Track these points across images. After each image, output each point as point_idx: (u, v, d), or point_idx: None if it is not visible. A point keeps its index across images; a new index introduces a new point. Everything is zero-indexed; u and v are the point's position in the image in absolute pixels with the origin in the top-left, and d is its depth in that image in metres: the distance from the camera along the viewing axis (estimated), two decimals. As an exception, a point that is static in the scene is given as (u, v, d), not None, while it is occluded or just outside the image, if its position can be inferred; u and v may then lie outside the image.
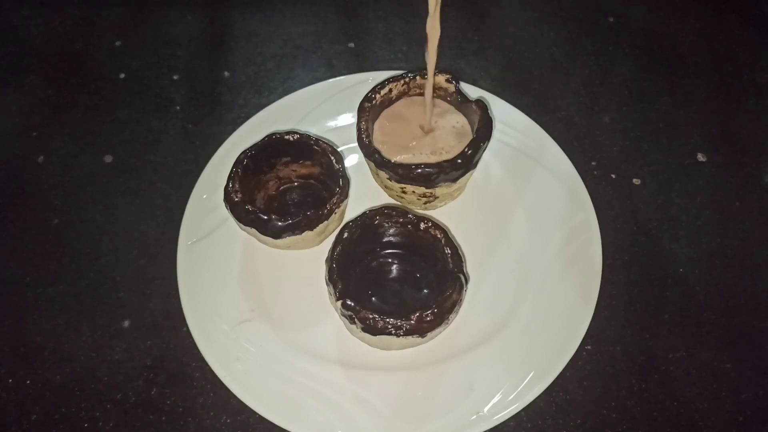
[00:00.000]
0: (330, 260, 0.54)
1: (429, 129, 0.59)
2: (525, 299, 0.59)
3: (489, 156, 0.63)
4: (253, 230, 0.56)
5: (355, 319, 0.51)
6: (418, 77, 0.61)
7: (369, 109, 0.60)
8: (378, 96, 0.60)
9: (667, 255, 0.63)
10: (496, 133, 0.65)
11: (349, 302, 0.51)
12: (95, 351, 0.58)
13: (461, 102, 0.61)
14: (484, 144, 0.57)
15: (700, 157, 0.69)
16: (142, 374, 0.57)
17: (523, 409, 0.54)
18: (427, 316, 0.50)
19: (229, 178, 0.58)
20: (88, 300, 0.61)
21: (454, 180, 0.58)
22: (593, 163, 0.68)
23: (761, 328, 0.59)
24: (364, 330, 0.51)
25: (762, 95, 0.73)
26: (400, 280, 0.58)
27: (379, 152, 0.57)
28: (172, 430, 0.55)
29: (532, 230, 0.62)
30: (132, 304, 0.61)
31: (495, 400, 0.53)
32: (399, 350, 0.55)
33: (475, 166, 0.59)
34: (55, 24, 0.80)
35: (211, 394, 0.56)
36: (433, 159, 0.58)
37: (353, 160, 0.67)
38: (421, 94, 0.60)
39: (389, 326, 0.50)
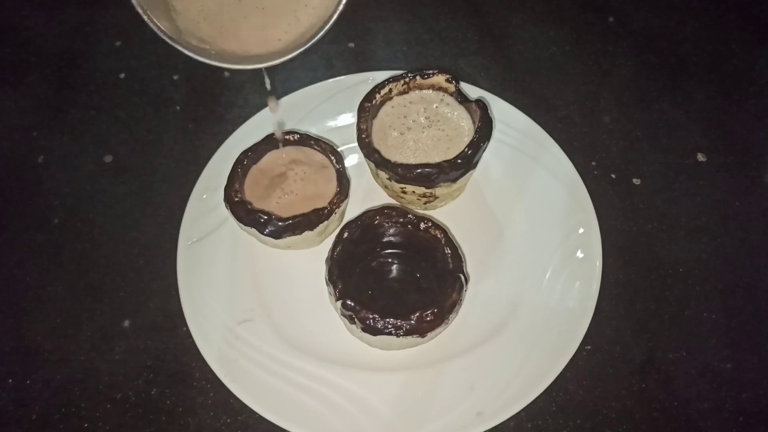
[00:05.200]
0: (330, 260, 0.54)
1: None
2: (525, 299, 0.59)
3: (489, 156, 0.63)
4: (253, 230, 0.56)
5: (355, 319, 0.51)
6: (418, 77, 0.61)
7: (369, 109, 0.60)
8: (378, 96, 0.60)
9: (667, 255, 0.63)
10: (496, 133, 0.65)
11: (349, 302, 0.51)
12: (95, 351, 0.58)
13: (461, 102, 0.61)
14: (484, 144, 0.57)
15: (700, 157, 0.69)
16: (142, 374, 0.57)
17: (523, 409, 0.54)
18: (427, 316, 0.50)
19: (229, 178, 0.58)
20: (88, 300, 0.61)
21: (454, 180, 0.58)
22: (593, 163, 0.68)
23: (761, 328, 0.59)
24: (364, 330, 0.51)
25: (762, 95, 0.73)
26: (400, 280, 0.58)
27: (379, 152, 0.57)
28: (172, 430, 0.55)
29: (532, 230, 0.62)
30: (132, 304, 0.61)
31: (495, 400, 0.53)
32: (399, 350, 0.55)
33: (475, 166, 0.59)
34: (55, 24, 0.80)
35: (211, 394, 0.56)
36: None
37: (353, 160, 0.67)
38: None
39: (389, 326, 0.50)
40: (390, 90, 0.61)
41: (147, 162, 0.69)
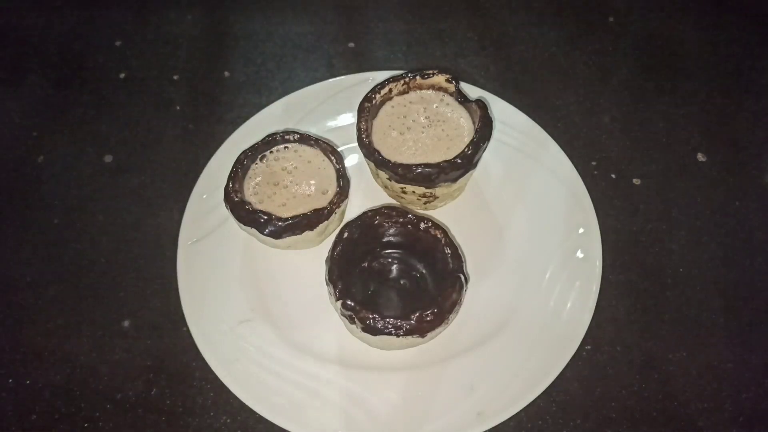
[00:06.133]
0: (330, 260, 0.54)
1: None
2: (525, 299, 0.59)
3: (489, 156, 0.63)
4: (253, 230, 0.56)
5: (355, 319, 0.51)
6: (418, 77, 0.61)
7: (369, 109, 0.60)
8: (378, 96, 0.60)
9: (667, 255, 0.63)
10: (496, 133, 0.65)
11: (349, 302, 0.51)
12: (95, 351, 0.58)
13: (461, 102, 0.61)
14: (484, 144, 0.57)
15: (700, 157, 0.69)
16: (142, 374, 0.57)
17: (523, 409, 0.54)
18: (427, 316, 0.50)
19: (229, 178, 0.58)
20: (88, 300, 0.61)
21: (454, 180, 0.58)
22: (593, 163, 0.68)
23: (761, 328, 0.59)
24: (364, 330, 0.51)
25: (762, 95, 0.73)
26: (400, 280, 0.58)
27: (379, 152, 0.57)
28: (172, 430, 0.55)
29: (532, 230, 0.62)
30: (132, 304, 0.61)
31: (495, 400, 0.53)
32: (399, 350, 0.55)
33: (475, 166, 0.59)
34: (55, 24, 0.80)
35: (211, 394, 0.56)
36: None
37: (353, 160, 0.67)
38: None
39: (389, 326, 0.50)
40: (390, 90, 0.61)
41: (147, 162, 0.69)
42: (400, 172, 0.56)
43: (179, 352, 0.58)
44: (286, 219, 0.55)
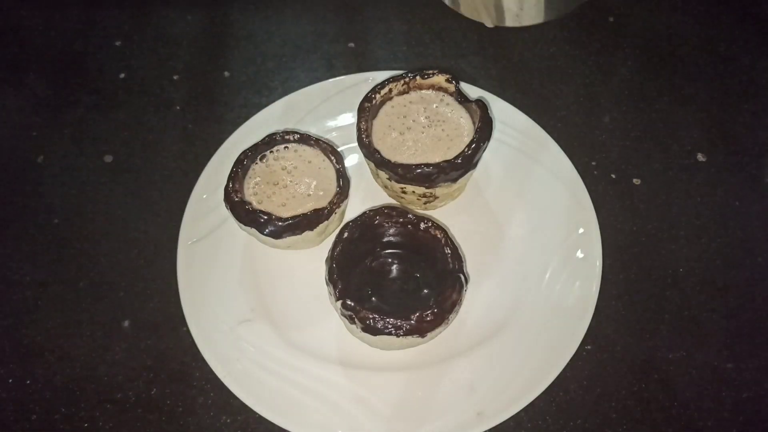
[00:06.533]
0: (330, 260, 0.54)
1: None
2: (525, 299, 0.59)
3: (489, 156, 0.63)
4: (253, 230, 0.56)
5: (355, 319, 0.51)
6: (418, 77, 0.61)
7: (369, 109, 0.60)
8: (378, 96, 0.60)
9: (667, 255, 0.63)
10: (496, 133, 0.65)
11: (349, 302, 0.51)
12: (95, 351, 0.58)
13: (461, 102, 0.61)
14: (484, 144, 0.57)
15: (700, 157, 0.69)
16: (142, 374, 0.57)
17: (523, 409, 0.54)
18: (427, 316, 0.50)
19: (229, 178, 0.58)
20: (88, 300, 0.61)
21: (454, 180, 0.58)
22: (593, 163, 0.68)
23: (761, 328, 0.59)
24: (364, 330, 0.51)
25: (762, 95, 0.73)
26: (400, 280, 0.58)
27: (379, 152, 0.57)
28: (172, 430, 0.55)
29: (532, 230, 0.62)
30: (132, 304, 0.61)
31: (495, 400, 0.54)
32: (399, 350, 0.55)
33: (475, 166, 0.59)
34: (55, 24, 0.80)
35: (211, 394, 0.56)
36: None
37: (353, 160, 0.67)
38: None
39: (389, 326, 0.50)
40: (390, 90, 0.61)
41: (147, 162, 0.69)
42: (400, 172, 0.56)
43: (179, 352, 0.58)
44: (286, 219, 0.55)
